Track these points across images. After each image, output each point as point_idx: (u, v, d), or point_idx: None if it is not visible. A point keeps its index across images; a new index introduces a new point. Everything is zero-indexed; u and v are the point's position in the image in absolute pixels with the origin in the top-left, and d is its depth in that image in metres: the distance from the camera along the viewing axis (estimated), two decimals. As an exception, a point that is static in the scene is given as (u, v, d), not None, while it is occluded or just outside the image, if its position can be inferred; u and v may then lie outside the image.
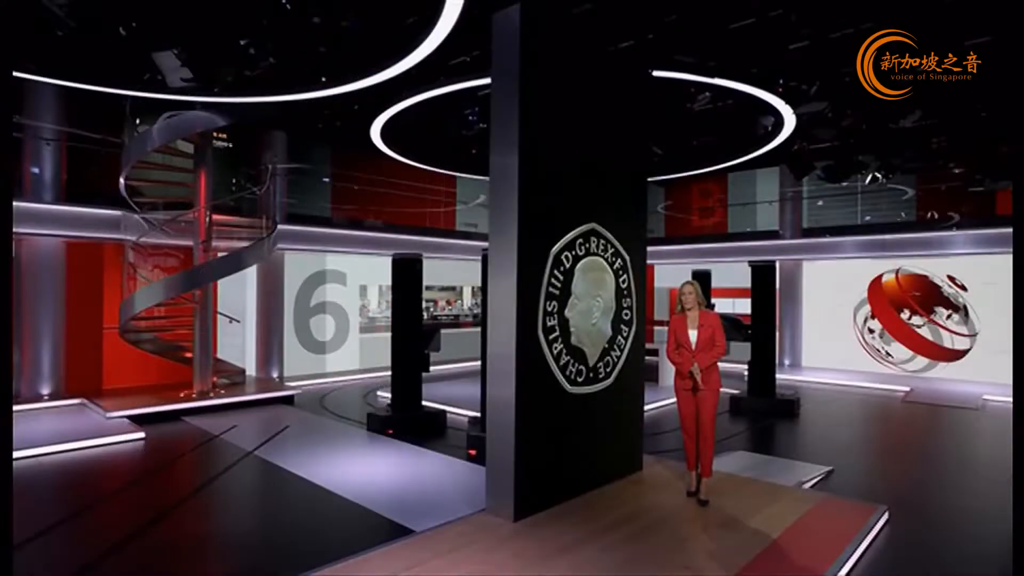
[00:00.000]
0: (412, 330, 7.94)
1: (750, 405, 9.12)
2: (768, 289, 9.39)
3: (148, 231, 9.11)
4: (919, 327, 12.52)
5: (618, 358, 5.24)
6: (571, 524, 4.24)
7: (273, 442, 7.13)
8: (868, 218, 13.65)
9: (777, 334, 14.22)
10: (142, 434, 7.35)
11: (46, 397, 9.36)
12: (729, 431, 7.84)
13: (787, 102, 7.42)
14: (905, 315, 12.67)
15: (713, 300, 13.38)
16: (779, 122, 9.45)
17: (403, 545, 3.97)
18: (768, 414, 8.83)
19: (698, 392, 4.69)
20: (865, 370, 12.89)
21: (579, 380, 4.80)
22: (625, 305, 5.33)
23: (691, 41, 6.40)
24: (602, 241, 5.02)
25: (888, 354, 12.93)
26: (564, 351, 4.64)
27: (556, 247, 4.54)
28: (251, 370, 11.54)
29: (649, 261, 17.10)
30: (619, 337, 5.26)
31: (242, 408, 9.05)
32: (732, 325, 11.92)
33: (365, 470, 6.10)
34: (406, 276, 8.00)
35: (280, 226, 10.40)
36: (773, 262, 9.57)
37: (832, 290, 13.64)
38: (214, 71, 6.00)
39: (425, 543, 3.99)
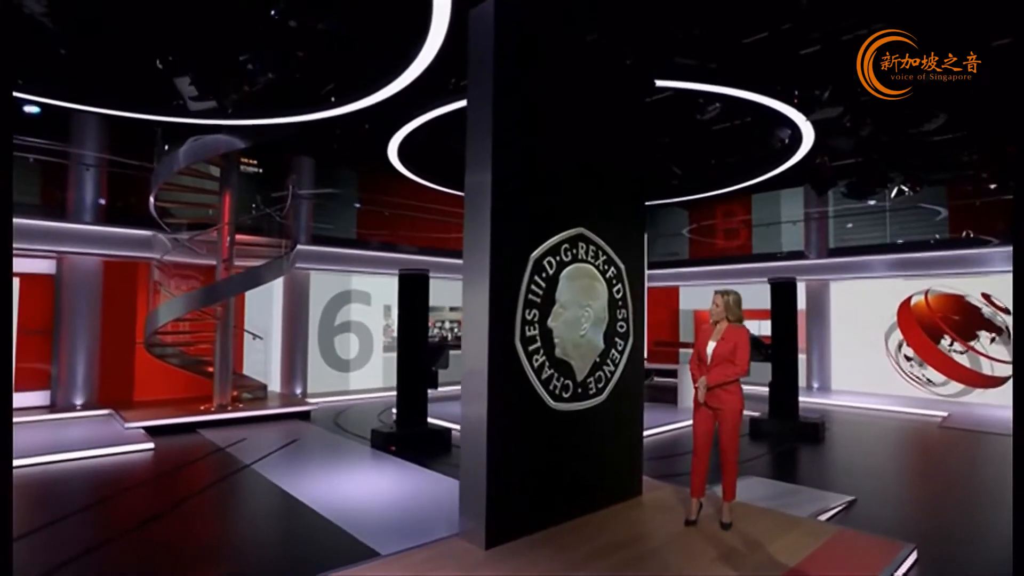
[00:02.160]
0: (417, 346, 7.51)
1: (771, 428, 8.28)
2: (789, 307, 8.60)
3: (172, 249, 9.05)
4: (961, 353, 11.30)
5: (612, 373, 4.66)
6: (549, 553, 3.65)
7: (274, 456, 6.76)
8: (900, 242, 12.57)
9: (804, 356, 13.32)
10: (151, 445, 7.11)
11: (79, 407, 9.30)
12: (745, 455, 7.06)
13: (800, 109, 6.78)
14: (946, 343, 11.45)
15: (737, 321, 12.58)
16: (797, 136, 8.77)
17: (363, 568, 3.46)
18: (790, 438, 7.98)
19: (715, 409, 4.07)
20: (900, 394, 11.73)
21: (565, 396, 4.24)
22: (620, 316, 4.76)
23: (690, 45, 5.90)
24: (592, 247, 4.49)
25: (929, 380, 11.71)
26: (547, 364, 4.11)
27: (537, 252, 4.04)
28: (276, 386, 11.33)
29: (674, 283, 16.67)
30: (613, 351, 4.68)
31: (258, 422, 8.77)
32: (753, 346, 11.09)
33: (353, 487, 5.63)
34: (412, 292, 7.61)
35: (300, 246, 10.24)
36: (793, 279, 8.77)
37: (862, 311, 12.58)
38: (217, 86, 5.81)
39: (386, 567, 3.48)
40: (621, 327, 4.77)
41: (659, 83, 6.92)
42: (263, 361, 11.30)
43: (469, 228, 3.93)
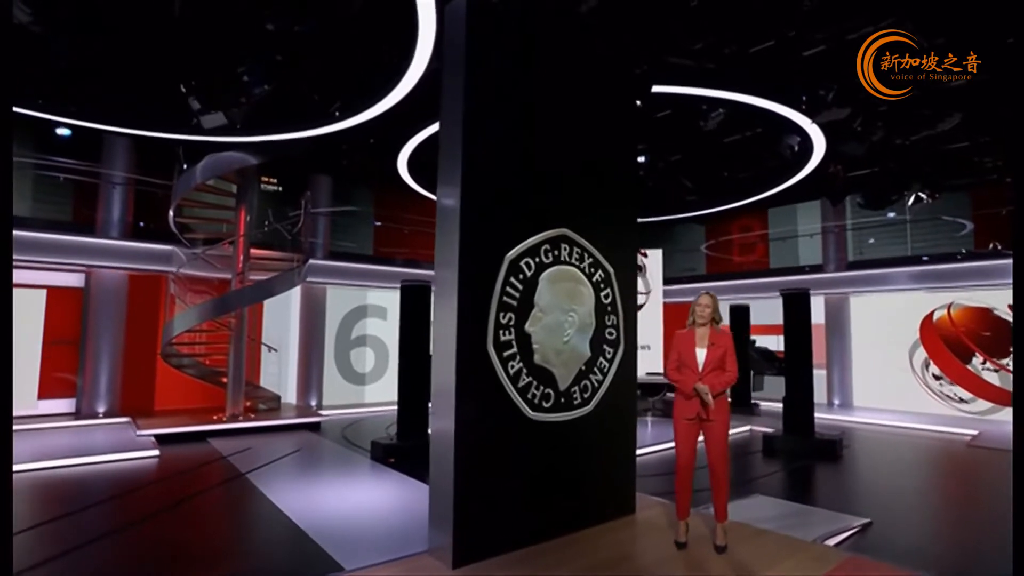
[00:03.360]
0: (418, 358, 7.21)
1: (784, 445, 7.66)
2: (802, 319, 8.02)
3: (187, 263, 9.04)
4: (994, 371, 10.39)
5: (600, 383, 4.26)
6: (522, 574, 3.26)
7: (271, 466, 6.51)
8: (925, 259, 11.72)
9: (824, 372, 12.55)
10: (157, 452, 6.96)
11: (101, 415, 9.28)
12: (754, 473, 6.51)
13: (806, 112, 6.34)
14: (977, 362, 10.55)
15: (753, 337, 11.93)
16: (808, 145, 8.29)
17: (318, 589, 3.14)
18: (804, 455, 7.35)
19: (704, 422, 3.65)
20: (926, 411, 10.86)
21: (545, 406, 3.87)
22: (609, 323, 4.37)
23: (686, 45, 5.55)
24: (576, 249, 4.14)
25: (961, 399, 10.80)
26: (525, 371, 3.74)
27: (513, 252, 3.71)
28: (293, 398, 11.18)
29: (690, 298, 16.08)
30: (601, 359, 4.29)
31: (267, 432, 8.57)
32: (763, 357, 10.47)
33: (341, 499, 5.32)
34: (413, 303, 7.35)
35: (316, 261, 10.15)
36: (806, 290, 8.20)
37: (885, 325, 11.78)
38: (216, 98, 5.72)
39: (344, 588, 3.14)
40: (610, 334, 4.38)
41: (660, 89, 6.61)
42: (281, 373, 11.19)
43: (440, 225, 3.63)
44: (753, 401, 11.34)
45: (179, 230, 9.03)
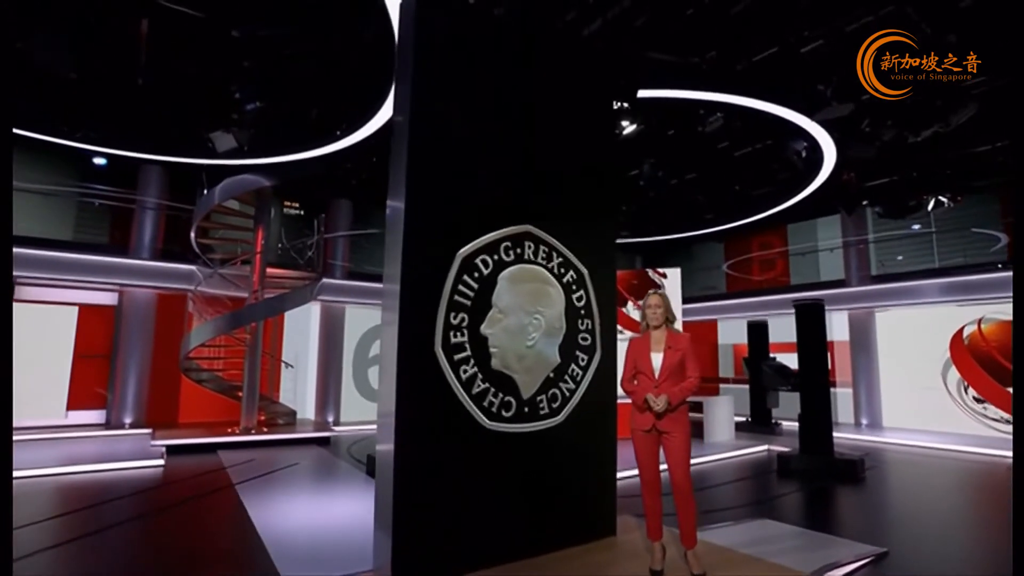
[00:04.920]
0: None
1: (800, 465, 6.86)
2: (816, 331, 7.27)
3: (203, 282, 9.03)
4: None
5: (571, 392, 3.77)
6: (465, 604, 2.78)
7: (265, 477, 6.20)
8: (957, 268, 10.66)
9: (851, 391, 11.50)
10: (162, 462, 6.79)
11: (127, 425, 9.27)
12: (763, 495, 5.79)
13: (807, 111, 5.78)
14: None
15: (773, 355, 11.06)
16: (818, 155, 7.65)
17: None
18: (822, 477, 6.54)
19: (662, 433, 3.13)
20: (964, 431, 9.72)
21: (505, 415, 3.41)
22: (583, 327, 3.90)
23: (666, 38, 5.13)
24: (543, 248, 3.71)
25: (1008, 421, 9.61)
26: (480, 377, 3.31)
27: (467, 249, 3.32)
28: (311, 414, 10.97)
29: (712, 316, 15.22)
30: (573, 366, 3.80)
31: (275, 445, 8.31)
32: (777, 373, 9.61)
33: (319, 512, 4.93)
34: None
35: (332, 280, 10.02)
36: (820, 301, 7.45)
37: (914, 341, 10.73)
38: (213, 117, 5.64)
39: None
40: (585, 339, 3.90)
41: (656, 93, 6.19)
42: (299, 390, 11.02)
43: (389, 222, 3.28)
44: (774, 420, 10.45)
45: (201, 251, 9.06)
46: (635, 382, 3.28)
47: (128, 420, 9.31)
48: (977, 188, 8.00)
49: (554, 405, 3.65)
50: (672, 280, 11.73)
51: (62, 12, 5.01)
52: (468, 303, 3.29)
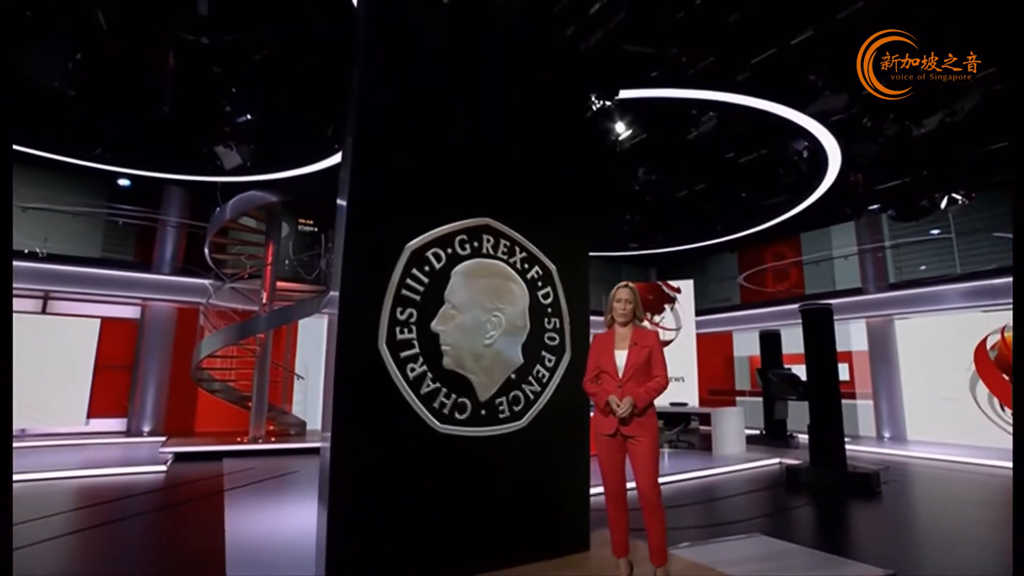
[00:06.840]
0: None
1: (810, 478, 6.27)
2: (824, 337, 6.71)
3: (214, 295, 9.03)
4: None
5: (536, 395, 3.44)
6: (398, 622, 2.45)
7: (258, 485, 5.99)
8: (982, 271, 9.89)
9: (872, 403, 10.69)
10: (165, 468, 6.69)
11: (146, 434, 9.27)
12: (764, 509, 5.25)
13: (800, 105, 5.37)
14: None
15: (788, 366, 10.39)
16: (822, 157, 7.19)
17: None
18: (833, 490, 5.94)
19: (627, 438, 2.78)
20: (994, 445, 8.84)
21: (459, 418, 3.10)
22: (549, 326, 3.57)
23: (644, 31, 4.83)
24: (504, 242, 3.42)
25: None
26: (431, 376, 3.02)
27: (417, 241, 3.06)
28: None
29: (727, 328, 14.54)
30: (538, 367, 3.47)
31: (280, 455, 8.12)
32: (785, 382, 8.97)
33: (297, 519, 4.66)
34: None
35: (332, 292, 9.90)
36: (828, 306, 6.89)
37: (937, 350, 9.90)
38: (209, 131, 5.61)
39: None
40: (552, 339, 3.57)
41: (651, 93, 5.89)
42: (310, 401, 10.89)
43: (337, 216, 3.07)
44: (789, 433, 9.75)
45: (216, 266, 9.09)
46: (598, 382, 2.94)
47: (147, 428, 9.32)
48: (991, 185, 7.35)
49: (516, 408, 3.32)
50: (685, 293, 11.22)
51: (65, 30, 5.06)
52: (417, 298, 3.02)
